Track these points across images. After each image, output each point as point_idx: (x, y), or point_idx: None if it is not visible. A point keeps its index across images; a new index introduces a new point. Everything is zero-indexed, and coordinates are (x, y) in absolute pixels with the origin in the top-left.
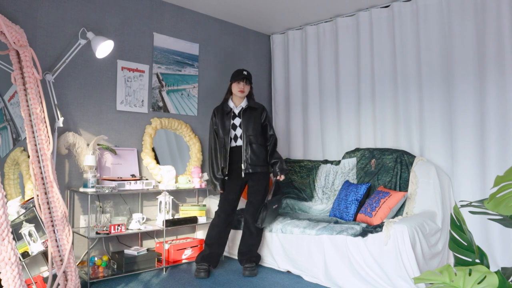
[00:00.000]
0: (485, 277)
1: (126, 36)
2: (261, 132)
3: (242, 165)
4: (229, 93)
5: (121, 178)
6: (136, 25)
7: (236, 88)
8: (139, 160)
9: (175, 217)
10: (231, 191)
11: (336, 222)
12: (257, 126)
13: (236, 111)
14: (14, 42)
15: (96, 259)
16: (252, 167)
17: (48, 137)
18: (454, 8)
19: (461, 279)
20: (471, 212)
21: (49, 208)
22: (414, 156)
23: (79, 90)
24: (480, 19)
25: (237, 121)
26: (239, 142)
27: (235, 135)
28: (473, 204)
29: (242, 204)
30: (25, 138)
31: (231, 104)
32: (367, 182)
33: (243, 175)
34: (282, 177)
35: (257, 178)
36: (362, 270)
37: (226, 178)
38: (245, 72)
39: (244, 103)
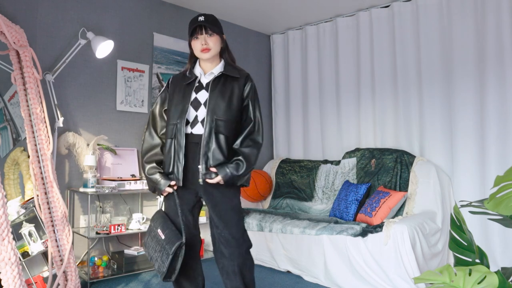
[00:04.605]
0: (485, 277)
1: (126, 36)
2: (238, 116)
3: (200, 166)
4: (191, 60)
5: (121, 178)
6: (136, 25)
7: (196, 46)
8: (139, 160)
9: None
10: (179, 211)
11: (336, 222)
12: (233, 106)
13: (204, 81)
14: (14, 42)
15: (96, 259)
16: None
17: (48, 137)
18: (454, 8)
19: (461, 279)
20: (471, 212)
21: (49, 208)
22: (414, 156)
23: (79, 90)
24: (480, 19)
25: (203, 95)
26: (199, 129)
27: (196, 117)
28: (473, 204)
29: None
30: (25, 138)
31: (197, 70)
32: (367, 182)
33: (201, 182)
34: (215, 180)
35: (221, 191)
36: (362, 270)
37: (173, 185)
38: (201, 18)
39: (218, 69)
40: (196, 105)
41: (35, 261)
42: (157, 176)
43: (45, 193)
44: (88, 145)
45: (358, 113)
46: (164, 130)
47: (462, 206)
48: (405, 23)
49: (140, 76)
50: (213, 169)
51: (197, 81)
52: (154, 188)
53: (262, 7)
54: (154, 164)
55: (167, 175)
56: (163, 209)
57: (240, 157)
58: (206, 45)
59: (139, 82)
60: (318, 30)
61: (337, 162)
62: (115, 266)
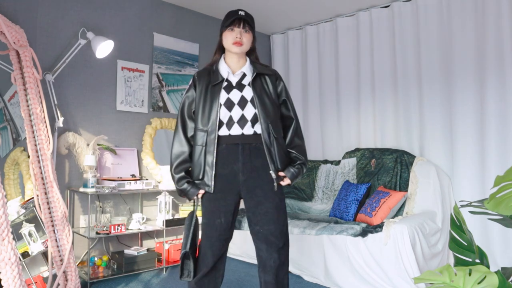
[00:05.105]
0: (485, 277)
1: (126, 36)
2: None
3: (272, 172)
4: (220, 51)
5: (121, 178)
6: (136, 25)
7: (229, 38)
8: (139, 160)
9: (175, 217)
10: (218, 212)
11: (336, 222)
12: (276, 105)
13: (234, 80)
14: (14, 42)
15: (96, 259)
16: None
17: (48, 137)
18: (454, 8)
19: (461, 279)
20: (471, 212)
21: (49, 208)
22: (414, 156)
23: (79, 90)
24: (480, 19)
25: (236, 94)
26: (236, 130)
27: (231, 117)
28: (473, 204)
29: None
30: (25, 138)
31: (223, 68)
32: (367, 182)
33: (276, 188)
34: (286, 182)
35: (264, 190)
36: (362, 270)
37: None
38: (241, 12)
39: (248, 68)
40: (230, 105)
41: (35, 261)
42: (186, 186)
43: (45, 193)
44: (88, 145)
45: (358, 113)
46: (193, 132)
47: (462, 206)
48: (405, 23)
49: (140, 76)
50: (282, 173)
51: (224, 81)
52: (183, 195)
53: (262, 7)
54: (182, 174)
55: (195, 183)
56: (196, 212)
57: (302, 162)
58: (240, 39)
59: (139, 82)
60: (318, 30)
61: (337, 162)
62: (115, 266)
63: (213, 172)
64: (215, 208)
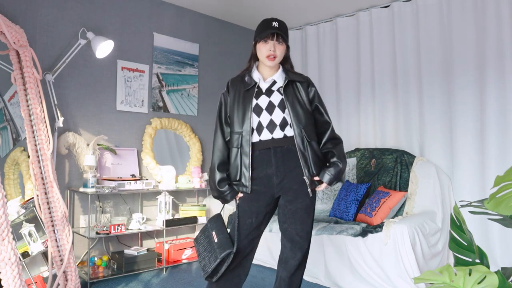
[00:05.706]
0: (485, 277)
1: (126, 36)
2: (313, 119)
3: (305, 178)
4: (253, 59)
5: (121, 178)
6: (136, 25)
7: (263, 50)
8: (139, 160)
9: (175, 217)
10: (250, 213)
11: (336, 222)
12: (309, 111)
13: (264, 87)
14: (14, 42)
15: (96, 259)
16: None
17: (48, 137)
18: (454, 8)
19: (461, 279)
20: (471, 212)
21: (49, 208)
22: (414, 156)
23: (79, 90)
24: (480, 19)
25: (264, 100)
26: (266, 135)
27: (260, 123)
28: (473, 204)
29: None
30: (25, 138)
31: (255, 75)
32: (367, 182)
33: (310, 194)
34: (322, 187)
35: (295, 191)
36: (362, 270)
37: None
38: (275, 23)
39: (279, 75)
40: (258, 110)
41: (35, 261)
42: (226, 188)
43: (45, 193)
44: (88, 145)
45: (358, 113)
46: (229, 137)
47: (462, 206)
48: (405, 23)
49: (140, 76)
50: (316, 178)
51: (256, 86)
52: (219, 197)
53: (262, 7)
54: (225, 175)
55: (233, 186)
56: (222, 214)
57: (335, 158)
58: (274, 52)
59: (139, 82)
60: (318, 30)
61: None
62: (115, 266)
63: (250, 174)
64: (248, 208)
